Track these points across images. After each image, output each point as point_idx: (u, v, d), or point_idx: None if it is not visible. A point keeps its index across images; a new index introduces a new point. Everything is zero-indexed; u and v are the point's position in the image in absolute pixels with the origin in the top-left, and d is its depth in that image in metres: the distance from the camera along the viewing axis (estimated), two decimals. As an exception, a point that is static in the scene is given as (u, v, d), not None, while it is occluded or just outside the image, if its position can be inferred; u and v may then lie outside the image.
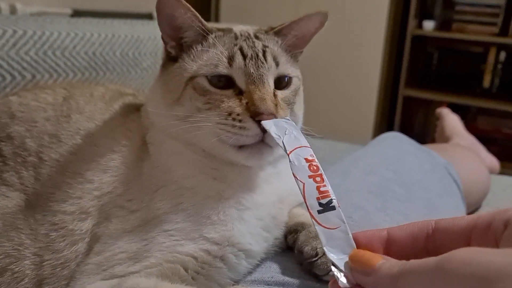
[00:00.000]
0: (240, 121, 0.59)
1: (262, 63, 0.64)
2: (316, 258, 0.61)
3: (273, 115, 0.59)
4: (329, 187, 0.46)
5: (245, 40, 0.67)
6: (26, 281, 0.60)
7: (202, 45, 0.66)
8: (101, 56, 1.20)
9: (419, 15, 3.10)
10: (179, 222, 0.60)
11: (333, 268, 0.42)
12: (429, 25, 3.05)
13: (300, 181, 0.46)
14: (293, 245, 0.67)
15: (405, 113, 3.26)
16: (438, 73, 3.26)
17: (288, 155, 0.49)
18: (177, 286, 0.55)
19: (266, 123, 0.57)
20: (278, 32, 0.71)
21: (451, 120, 1.83)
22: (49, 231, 0.62)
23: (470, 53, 3.15)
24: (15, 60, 1.00)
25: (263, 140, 0.60)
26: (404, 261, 0.37)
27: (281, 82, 0.67)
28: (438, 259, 0.34)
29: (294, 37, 0.71)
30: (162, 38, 0.69)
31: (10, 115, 0.69)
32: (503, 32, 2.94)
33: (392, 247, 0.42)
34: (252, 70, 0.63)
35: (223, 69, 0.63)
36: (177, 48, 0.68)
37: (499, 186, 1.47)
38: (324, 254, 0.57)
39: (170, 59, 0.69)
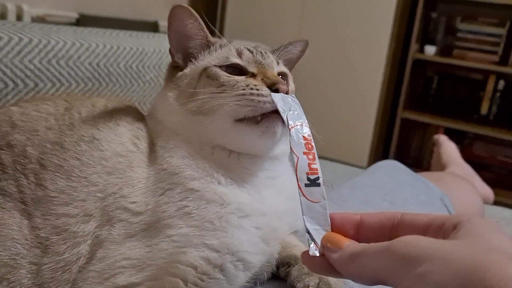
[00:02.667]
0: (258, 89, 0.65)
1: (267, 56, 0.74)
2: None
3: (286, 87, 0.65)
4: (319, 166, 0.50)
5: (246, 47, 0.76)
6: None
7: (209, 50, 0.75)
8: (105, 67, 1.20)
9: (421, 39, 3.14)
10: (182, 227, 0.61)
11: (307, 235, 0.47)
12: (430, 50, 3.08)
13: (295, 155, 0.51)
14: (285, 278, 0.67)
15: (402, 135, 3.28)
16: (437, 98, 3.29)
17: (290, 130, 0.53)
18: None
19: (274, 95, 0.62)
20: (272, 52, 0.80)
21: (448, 148, 1.84)
22: (50, 234, 0.61)
23: (469, 79, 3.18)
24: (19, 68, 1.00)
25: (277, 112, 0.63)
26: (365, 244, 0.43)
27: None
28: (389, 242, 0.40)
29: (284, 56, 0.81)
30: (170, 50, 0.77)
31: (11, 124, 0.69)
32: (503, 61, 2.97)
33: (362, 230, 0.47)
34: (260, 59, 0.72)
35: (234, 59, 0.71)
36: (183, 59, 0.76)
37: (492, 218, 1.48)
38: None
39: (177, 69, 0.76)
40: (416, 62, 3.10)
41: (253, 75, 0.70)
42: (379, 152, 3.38)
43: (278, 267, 0.69)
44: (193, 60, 0.75)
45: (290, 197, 0.71)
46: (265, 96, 0.64)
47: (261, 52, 0.74)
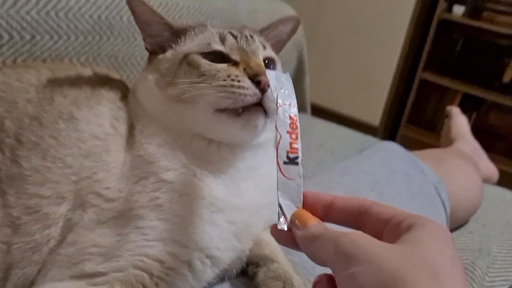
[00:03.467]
0: (239, 81, 0.63)
1: (252, 42, 0.71)
2: None
3: (267, 79, 0.62)
4: (300, 146, 0.52)
5: (230, 29, 0.74)
6: None
7: (189, 35, 0.73)
8: (107, 20, 1.15)
9: (450, -2, 2.98)
10: (153, 220, 0.61)
11: (278, 209, 0.50)
12: (459, 10, 2.93)
13: (279, 133, 0.52)
14: (252, 277, 0.67)
15: (419, 96, 3.21)
16: (459, 61, 3.17)
17: (277, 108, 0.54)
18: None
19: (269, 72, 0.60)
20: (261, 32, 0.78)
21: (459, 122, 1.79)
22: (22, 214, 0.62)
23: (495, 45, 3.04)
24: (15, 19, 0.96)
25: (261, 104, 0.63)
26: (327, 228, 0.46)
27: (268, 66, 0.72)
28: (339, 234, 0.43)
29: (273, 38, 0.78)
30: (143, 37, 0.75)
31: None
32: (535, 29, 2.83)
33: (331, 212, 0.50)
34: (244, 46, 0.69)
35: (216, 46, 0.68)
36: (155, 44, 0.74)
37: (492, 200, 1.45)
38: None
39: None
40: (442, 22, 2.96)
41: (235, 64, 0.67)
42: (393, 112, 3.33)
43: (247, 264, 0.69)
44: (173, 45, 0.72)
45: (269, 190, 0.70)
46: (246, 89, 0.62)
47: (246, 37, 0.71)
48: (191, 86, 0.64)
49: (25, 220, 0.61)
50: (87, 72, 0.76)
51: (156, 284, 0.61)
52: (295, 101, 0.56)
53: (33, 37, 1.01)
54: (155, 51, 0.74)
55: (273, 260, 0.67)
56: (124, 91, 0.76)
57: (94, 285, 0.58)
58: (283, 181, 0.51)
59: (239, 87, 0.62)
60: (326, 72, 3.29)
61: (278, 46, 0.80)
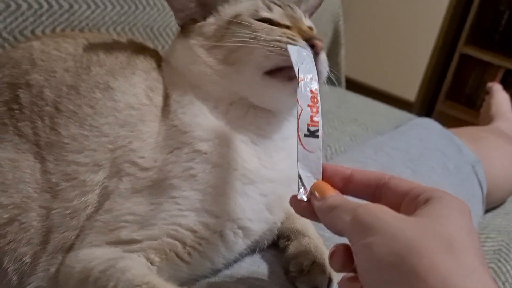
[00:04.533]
0: (294, 40, 0.62)
1: (296, 9, 0.71)
2: (300, 275, 0.63)
3: (322, 43, 0.63)
4: (320, 120, 0.54)
5: (270, 1, 0.72)
6: (32, 231, 0.62)
7: (228, 2, 0.72)
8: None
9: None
10: (186, 190, 0.62)
11: (298, 180, 0.52)
12: (506, -19, 2.79)
13: (300, 106, 0.54)
14: (282, 250, 0.68)
15: (459, 71, 3.09)
16: (504, 36, 3.03)
17: (299, 82, 0.55)
18: (167, 286, 0.56)
19: (290, 48, 0.60)
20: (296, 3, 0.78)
21: (500, 98, 1.73)
22: (60, 180, 0.63)
23: (545, 19, 2.89)
24: (54, -11, 0.98)
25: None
26: (344, 199, 0.47)
27: None
28: (357, 204, 0.44)
29: (307, 7, 0.80)
30: (173, 12, 0.74)
31: (31, 62, 0.69)
32: None
33: (350, 185, 0.51)
34: (291, 13, 0.69)
35: (265, 13, 0.68)
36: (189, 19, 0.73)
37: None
38: (309, 272, 0.62)
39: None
40: (488, -6, 2.83)
41: (287, 27, 0.66)
42: (431, 87, 3.23)
43: (278, 237, 0.69)
44: (213, 12, 0.71)
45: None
46: (303, 48, 0.62)
47: (289, 6, 0.70)
48: (241, 42, 0.63)
49: (64, 186, 0.63)
50: (122, 41, 0.76)
51: (189, 253, 0.62)
52: (316, 76, 0.57)
53: (71, 6, 1.02)
54: (187, 25, 0.73)
55: (304, 234, 0.67)
56: (159, 61, 0.75)
57: (129, 251, 0.60)
58: (304, 153, 0.53)
59: (295, 44, 0.61)
60: (361, 45, 3.21)
61: (311, 11, 0.82)
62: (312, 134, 0.53)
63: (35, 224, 0.63)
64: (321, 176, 0.53)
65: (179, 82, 0.70)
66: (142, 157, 0.64)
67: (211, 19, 0.71)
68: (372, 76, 3.29)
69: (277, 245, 0.70)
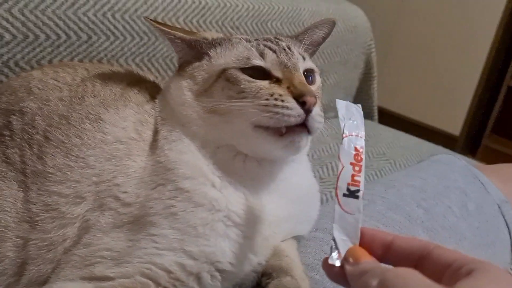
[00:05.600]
0: (283, 100, 0.60)
1: (292, 55, 0.67)
2: None
3: (315, 98, 0.60)
4: (363, 180, 0.50)
5: (265, 40, 0.70)
6: (6, 261, 0.63)
7: (220, 47, 0.70)
8: (163, 22, 1.18)
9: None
10: (165, 228, 0.61)
11: (332, 242, 0.49)
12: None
13: (341, 163, 0.51)
14: None
15: (506, 104, 2.95)
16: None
17: (343, 138, 0.52)
18: None
19: (339, 102, 0.57)
20: (296, 38, 0.75)
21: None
22: (40, 211, 0.63)
23: None
24: (72, 20, 1.01)
25: (305, 124, 0.61)
26: (378, 263, 0.44)
27: (307, 78, 0.69)
28: (387, 268, 0.41)
29: (309, 44, 0.75)
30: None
31: (28, 90, 0.71)
32: None
33: (390, 252, 0.47)
34: (286, 60, 0.65)
35: (256, 61, 0.65)
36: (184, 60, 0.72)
37: None
38: None
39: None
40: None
41: (277, 81, 0.63)
42: (476, 121, 3.10)
43: (262, 274, 0.66)
44: (210, 53, 0.70)
45: (295, 200, 0.67)
46: (291, 109, 0.60)
47: (284, 49, 0.67)
48: (229, 101, 0.62)
49: (43, 217, 0.63)
50: (121, 72, 0.77)
51: None
52: (363, 133, 0.54)
53: (89, 37, 1.05)
54: (184, 64, 0.73)
55: (287, 273, 0.64)
56: (154, 94, 0.76)
57: None
58: (341, 214, 0.49)
59: (283, 107, 0.59)
60: (404, 77, 3.14)
61: (314, 51, 0.79)
62: (352, 194, 0.50)
63: (11, 254, 0.62)
64: (358, 241, 0.49)
65: (169, 118, 0.69)
66: (125, 192, 0.63)
67: (204, 62, 0.70)
68: (415, 109, 3.20)
69: (259, 283, 0.67)
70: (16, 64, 0.93)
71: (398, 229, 0.76)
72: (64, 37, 1.00)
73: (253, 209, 0.64)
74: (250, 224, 0.63)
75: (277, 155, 0.65)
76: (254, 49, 0.66)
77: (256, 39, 0.71)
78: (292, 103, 0.60)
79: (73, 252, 0.62)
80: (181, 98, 0.69)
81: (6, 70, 0.92)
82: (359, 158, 0.51)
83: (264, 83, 0.63)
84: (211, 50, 0.69)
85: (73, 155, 0.65)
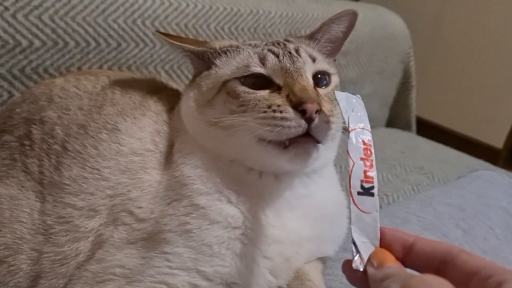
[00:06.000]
0: (281, 112, 0.56)
1: (297, 58, 0.62)
2: None
3: (318, 104, 0.56)
4: (375, 175, 0.47)
5: (273, 44, 0.66)
6: (20, 274, 0.61)
7: (226, 55, 0.66)
8: (193, 28, 1.16)
9: None
10: (179, 246, 0.58)
11: (352, 246, 0.46)
12: None
13: (352, 159, 0.48)
14: None
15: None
16: None
17: (349, 132, 0.50)
18: None
19: (338, 94, 0.55)
20: (310, 37, 0.69)
21: None
22: (55, 223, 0.62)
23: None
24: (102, 27, 1.00)
25: (309, 133, 0.56)
26: (403, 268, 0.42)
27: (321, 81, 0.64)
28: (412, 275, 0.39)
29: (327, 41, 0.69)
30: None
31: (49, 99, 0.70)
32: None
33: (411, 254, 0.45)
34: (288, 65, 0.61)
35: (256, 68, 0.61)
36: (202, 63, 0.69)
37: None
38: None
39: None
40: None
41: (278, 88, 0.59)
42: (522, 133, 2.96)
43: None
44: (216, 62, 0.66)
45: (320, 219, 0.63)
46: (289, 120, 0.55)
47: (290, 53, 0.63)
48: (230, 115, 0.59)
49: (57, 229, 0.62)
50: (143, 79, 0.75)
51: None
52: (369, 125, 0.51)
53: (119, 44, 1.04)
54: (197, 73, 0.70)
55: None
56: (174, 103, 0.73)
57: None
58: (358, 215, 0.46)
59: (281, 118, 0.55)
60: (446, 87, 3.04)
61: (334, 49, 0.72)
62: (367, 191, 0.47)
63: (25, 267, 0.61)
64: (378, 242, 0.46)
65: (183, 130, 0.67)
66: (140, 207, 0.61)
67: (212, 71, 0.67)
68: (456, 120, 3.08)
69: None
70: (45, 70, 0.93)
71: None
72: (93, 44, 1.00)
73: (273, 227, 0.60)
74: (270, 243, 0.60)
75: (286, 168, 0.61)
76: (256, 56, 0.63)
77: (265, 44, 0.67)
78: (290, 113, 0.55)
79: (86, 267, 0.60)
80: (188, 109, 0.66)
81: (35, 76, 0.92)
82: (368, 152, 0.49)
83: (264, 94, 0.59)
84: (217, 59, 0.66)
85: (89, 166, 0.63)
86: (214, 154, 0.64)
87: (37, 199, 0.64)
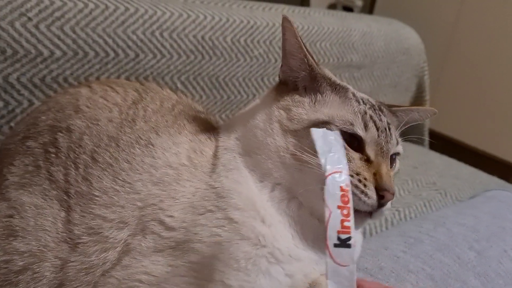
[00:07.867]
0: (365, 186, 0.59)
1: (390, 138, 0.65)
2: None
3: (393, 195, 0.60)
4: (352, 224, 0.47)
5: (370, 109, 0.67)
6: (44, 282, 0.62)
7: (326, 93, 0.67)
8: (210, 40, 1.17)
9: None
10: (207, 257, 0.59)
11: None
12: None
13: (328, 208, 0.47)
14: None
15: None
16: None
17: (326, 177, 0.49)
18: None
19: (315, 132, 0.55)
20: (395, 112, 0.72)
21: None
22: (83, 233, 0.62)
23: None
24: (121, 38, 1.02)
25: (371, 212, 0.60)
26: None
27: (393, 162, 0.68)
28: None
29: (403, 122, 0.72)
30: (282, 64, 0.70)
31: (75, 108, 0.70)
32: None
33: None
34: (383, 143, 0.64)
35: (359, 131, 0.63)
36: (288, 77, 0.69)
37: None
38: None
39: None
40: None
41: (367, 160, 0.62)
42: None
43: None
44: (319, 94, 0.67)
45: None
46: (369, 198, 0.59)
47: (386, 130, 0.65)
48: (312, 155, 0.59)
49: (85, 240, 0.62)
50: (172, 100, 0.76)
51: None
52: (347, 167, 0.50)
53: (137, 55, 1.06)
54: (286, 83, 0.70)
55: None
56: (205, 124, 0.74)
57: None
58: (334, 268, 0.46)
59: (362, 192, 0.59)
60: (458, 100, 3.02)
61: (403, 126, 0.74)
62: (343, 243, 0.46)
63: (48, 275, 0.62)
64: None
65: (233, 147, 0.67)
66: (171, 216, 0.62)
67: (307, 99, 0.66)
68: (470, 134, 3.06)
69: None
70: (65, 80, 0.95)
71: (446, 273, 0.70)
72: (112, 54, 1.02)
73: (297, 248, 0.62)
74: (293, 262, 0.61)
75: None
76: (359, 116, 0.64)
77: (363, 101, 0.67)
78: (372, 192, 0.59)
79: (111, 274, 0.60)
80: (266, 125, 0.66)
81: (55, 85, 0.94)
82: (346, 199, 0.48)
83: (356, 156, 0.62)
84: (324, 92, 0.67)
85: (120, 180, 0.64)
86: (261, 175, 0.64)
87: (62, 208, 0.64)
